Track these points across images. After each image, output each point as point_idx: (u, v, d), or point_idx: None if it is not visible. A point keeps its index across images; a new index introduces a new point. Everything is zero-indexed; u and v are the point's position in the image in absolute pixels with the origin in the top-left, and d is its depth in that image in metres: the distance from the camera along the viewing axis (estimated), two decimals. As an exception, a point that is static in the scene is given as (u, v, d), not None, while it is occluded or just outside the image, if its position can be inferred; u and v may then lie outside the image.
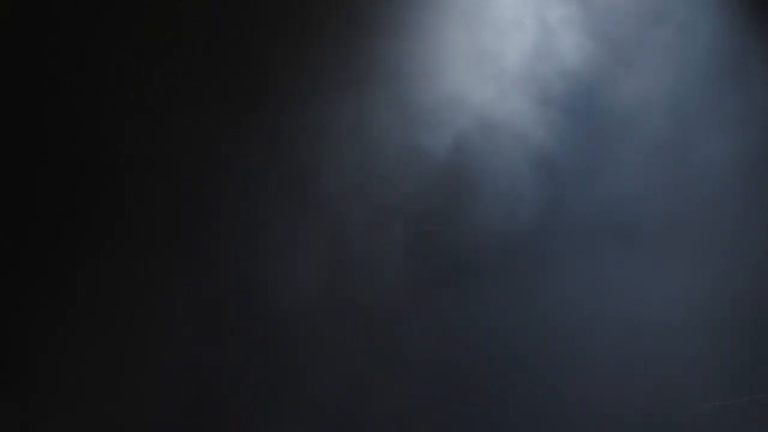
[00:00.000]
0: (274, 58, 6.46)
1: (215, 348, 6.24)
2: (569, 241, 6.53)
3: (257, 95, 6.44)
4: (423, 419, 6.28)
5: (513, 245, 6.47)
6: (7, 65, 6.31)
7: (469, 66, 6.61)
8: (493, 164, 6.56)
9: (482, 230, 6.49)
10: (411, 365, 6.33)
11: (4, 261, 6.18)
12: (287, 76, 6.46)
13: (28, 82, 6.32)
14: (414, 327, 6.38)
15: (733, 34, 6.66)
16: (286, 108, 6.46)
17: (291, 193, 6.42)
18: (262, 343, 6.27)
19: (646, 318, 6.42)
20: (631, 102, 6.61)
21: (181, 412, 6.14)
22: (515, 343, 6.36)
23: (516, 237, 6.49)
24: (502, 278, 6.45)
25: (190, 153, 6.37)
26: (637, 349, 6.38)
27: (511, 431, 6.31)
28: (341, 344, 6.33)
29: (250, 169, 6.41)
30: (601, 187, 6.58)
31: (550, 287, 6.45)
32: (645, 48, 6.65)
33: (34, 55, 6.33)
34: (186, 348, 6.21)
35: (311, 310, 6.33)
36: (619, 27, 6.66)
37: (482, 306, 6.41)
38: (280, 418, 6.23)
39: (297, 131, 6.46)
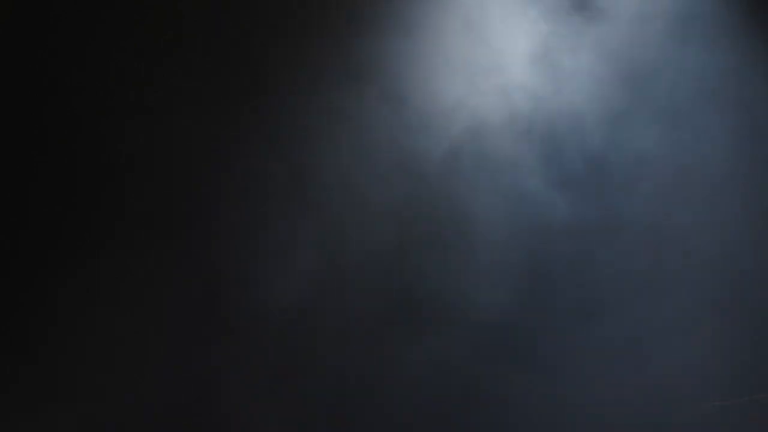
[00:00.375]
0: (274, 58, 6.46)
1: (215, 348, 6.24)
2: (568, 241, 6.53)
3: (257, 95, 6.44)
4: (423, 419, 6.28)
5: (511, 244, 6.47)
6: (7, 65, 6.31)
7: (468, 68, 6.61)
8: (489, 170, 6.57)
9: (481, 230, 6.49)
10: (410, 365, 6.32)
11: (4, 261, 6.18)
12: (287, 76, 6.47)
13: (28, 82, 6.32)
14: (413, 327, 6.37)
15: (734, 40, 6.67)
16: (286, 108, 6.46)
17: (291, 193, 6.42)
18: (262, 343, 6.27)
19: (645, 318, 6.42)
20: (632, 117, 6.63)
21: (181, 412, 6.14)
22: (515, 342, 6.36)
23: (514, 237, 6.49)
24: (500, 278, 6.45)
25: (190, 153, 6.37)
26: (638, 349, 6.38)
27: (511, 431, 6.31)
28: (341, 344, 6.33)
29: (250, 169, 6.41)
30: (601, 193, 6.58)
31: (549, 284, 6.45)
32: (645, 59, 6.67)
33: (34, 55, 6.33)
34: (186, 348, 6.21)
35: (311, 310, 6.33)
36: (621, 38, 6.66)
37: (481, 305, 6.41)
38: (280, 418, 6.22)
39: (297, 131, 6.46)
